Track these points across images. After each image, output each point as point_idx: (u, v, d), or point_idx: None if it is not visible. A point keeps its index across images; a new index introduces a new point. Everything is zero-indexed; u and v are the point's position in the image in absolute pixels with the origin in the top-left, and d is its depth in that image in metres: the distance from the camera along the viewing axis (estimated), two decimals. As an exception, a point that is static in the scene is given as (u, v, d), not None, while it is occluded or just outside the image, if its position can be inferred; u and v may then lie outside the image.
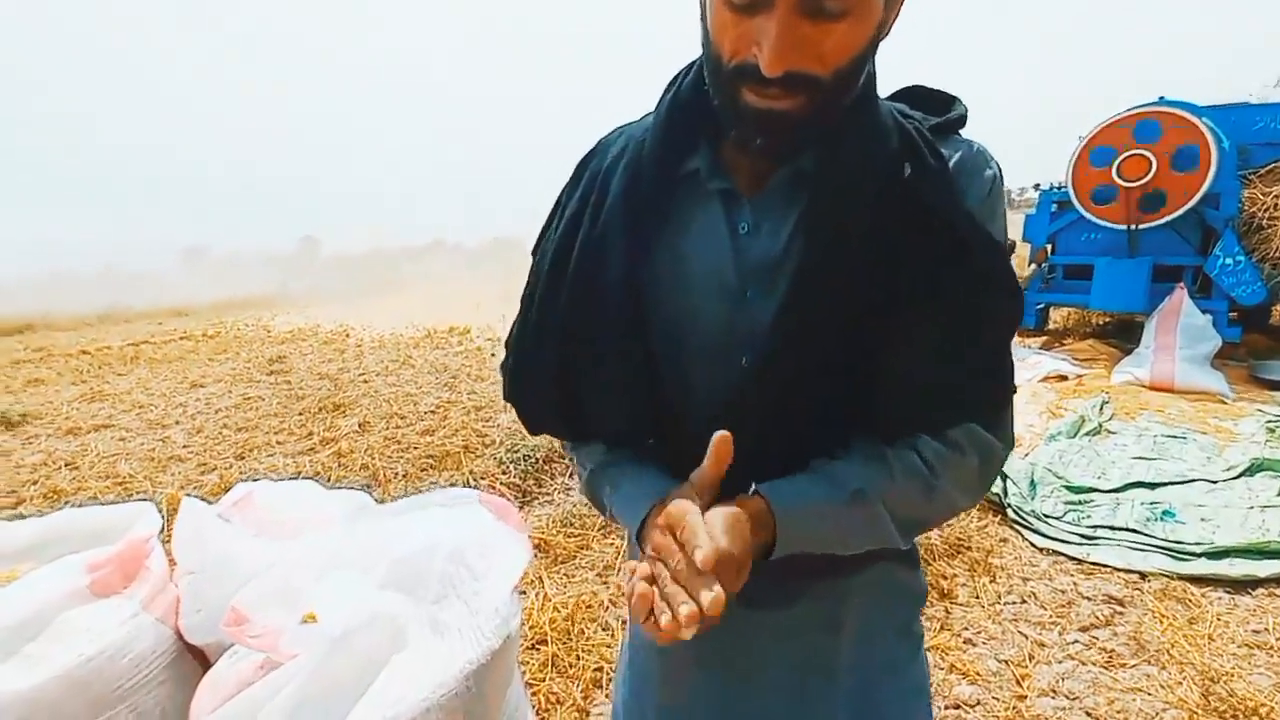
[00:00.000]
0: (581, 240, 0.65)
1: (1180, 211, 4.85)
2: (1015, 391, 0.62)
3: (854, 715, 0.70)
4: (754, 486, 0.59)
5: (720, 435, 0.55)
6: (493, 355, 6.79)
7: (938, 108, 0.66)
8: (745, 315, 0.61)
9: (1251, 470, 2.99)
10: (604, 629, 2.18)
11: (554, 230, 0.69)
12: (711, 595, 0.48)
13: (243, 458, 4.16)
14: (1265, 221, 4.75)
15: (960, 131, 0.65)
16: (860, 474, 0.59)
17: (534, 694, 1.88)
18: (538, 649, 2.07)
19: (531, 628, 2.16)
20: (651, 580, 0.52)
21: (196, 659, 1.25)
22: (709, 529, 0.53)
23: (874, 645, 0.71)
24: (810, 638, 0.70)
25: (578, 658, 2.03)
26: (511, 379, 0.72)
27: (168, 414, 5.33)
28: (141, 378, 7.01)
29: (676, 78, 0.67)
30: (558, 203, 0.72)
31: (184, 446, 4.46)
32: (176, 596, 1.26)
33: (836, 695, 0.70)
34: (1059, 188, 5.86)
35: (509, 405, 0.74)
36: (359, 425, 4.59)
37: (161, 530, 1.33)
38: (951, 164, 0.60)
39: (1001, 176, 0.63)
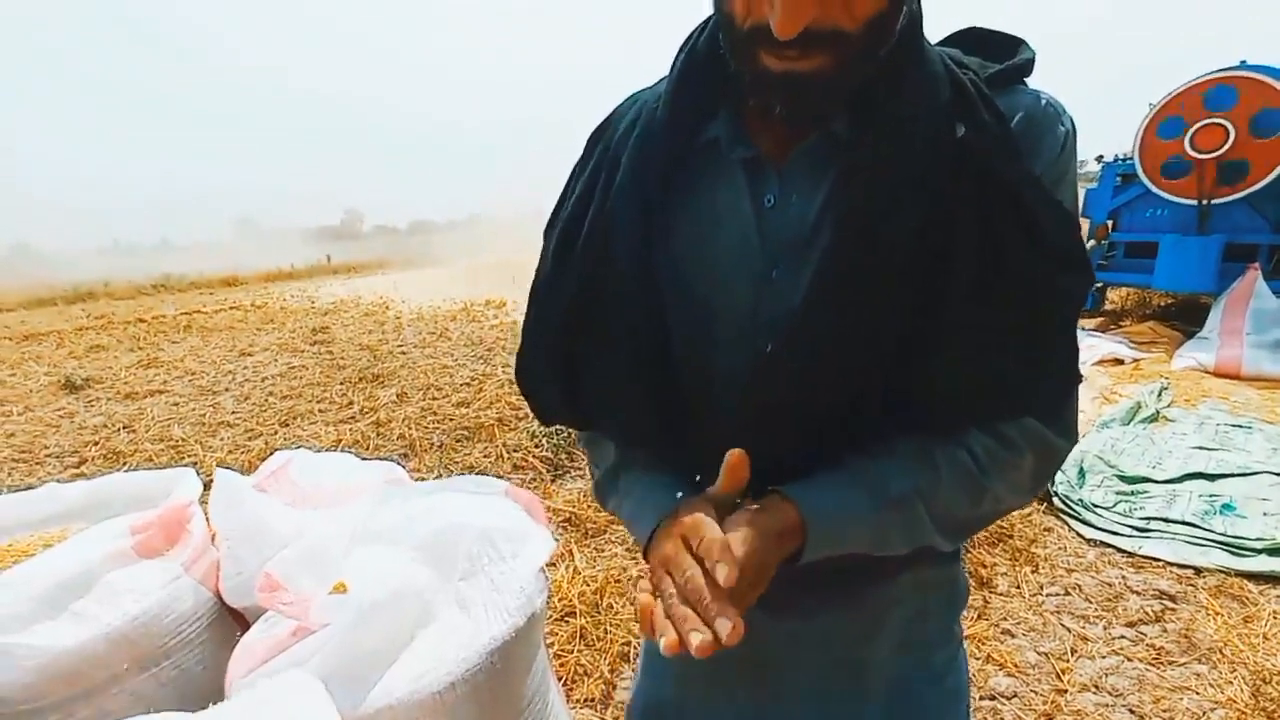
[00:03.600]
0: (590, 219, 0.59)
1: (1262, 183, 4.50)
2: (1080, 381, 0.55)
3: None
4: (780, 489, 0.53)
5: (734, 454, 0.49)
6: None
7: (999, 53, 0.57)
8: (771, 297, 0.55)
9: (1323, 464, 2.80)
10: (632, 603, 2.18)
11: (565, 209, 0.64)
12: (729, 626, 0.42)
13: (287, 425, 4.30)
14: (1354, 197, 4.40)
15: (1025, 80, 0.57)
16: (903, 476, 0.53)
17: (561, 665, 1.91)
18: (567, 621, 2.10)
19: (561, 600, 2.18)
20: (655, 593, 0.48)
21: (236, 621, 1.29)
22: (729, 544, 0.47)
23: (910, 655, 0.66)
24: (840, 647, 0.65)
25: (606, 631, 2.04)
26: (519, 368, 0.68)
27: (218, 381, 5.55)
28: (194, 345, 7.30)
29: (692, 35, 0.60)
30: (570, 179, 0.67)
31: (232, 413, 4.63)
32: (217, 560, 1.29)
33: (868, 707, 0.66)
34: (1124, 159, 5.53)
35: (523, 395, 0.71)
36: (397, 396, 4.69)
37: (204, 494, 1.37)
38: (1016, 120, 0.53)
39: (1075, 132, 0.55)
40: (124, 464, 3.77)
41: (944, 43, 0.61)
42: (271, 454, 1.54)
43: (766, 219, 0.56)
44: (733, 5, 0.48)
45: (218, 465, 1.31)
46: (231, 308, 10.75)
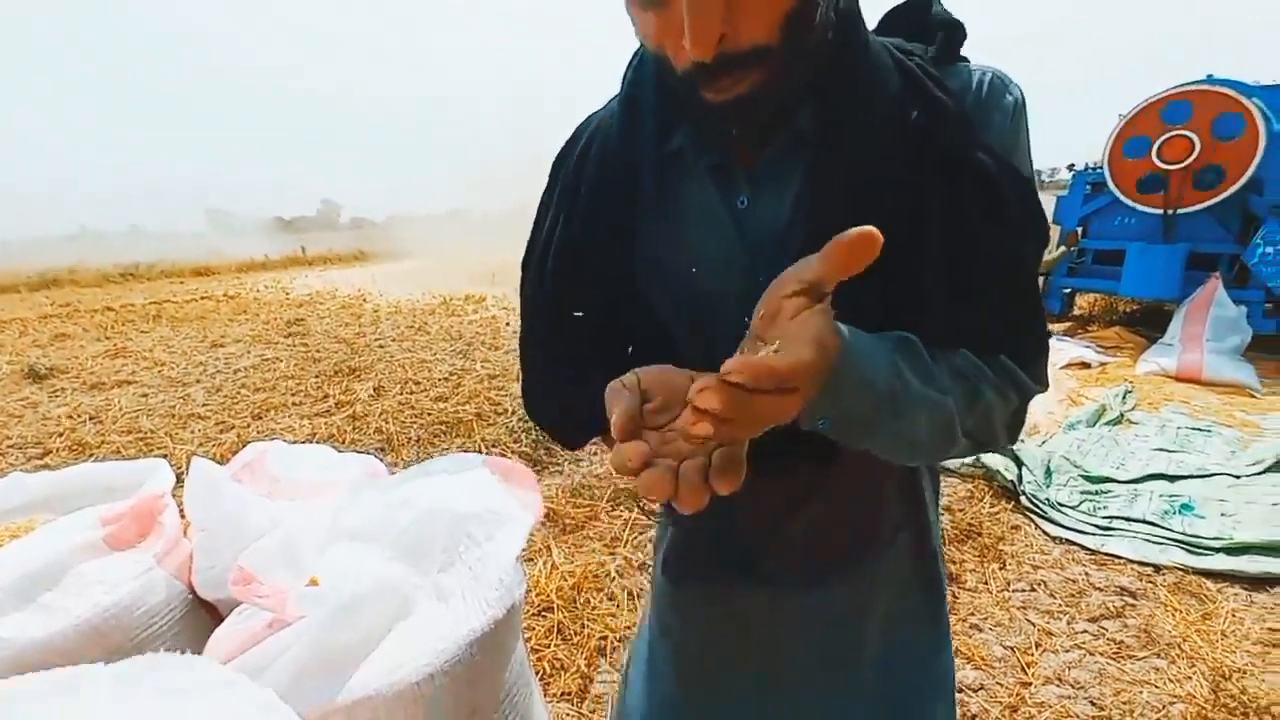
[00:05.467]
0: (559, 242, 0.60)
1: (1225, 195, 4.66)
2: (1046, 327, 0.57)
3: (871, 711, 0.67)
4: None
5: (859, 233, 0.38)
6: (507, 324, 6.80)
7: (922, 25, 0.59)
8: (760, 289, 0.56)
9: (1278, 466, 2.91)
10: (610, 599, 2.20)
11: (538, 240, 0.64)
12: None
13: (260, 418, 4.23)
14: (1311, 210, 4.56)
15: (965, 56, 0.58)
16: (918, 344, 0.51)
17: (539, 660, 1.91)
18: (544, 616, 2.10)
19: (538, 595, 2.19)
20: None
21: (209, 614, 1.28)
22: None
23: (898, 634, 0.68)
24: (836, 626, 0.66)
25: (583, 626, 2.05)
26: (528, 407, 0.68)
27: (188, 372, 5.43)
28: (163, 336, 7.14)
29: (640, 49, 0.59)
30: (539, 209, 0.67)
31: (203, 405, 4.54)
32: (189, 552, 1.28)
33: (858, 688, 0.67)
34: (1094, 168, 5.67)
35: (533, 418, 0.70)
36: (374, 390, 4.64)
37: (176, 487, 1.35)
38: (968, 97, 0.55)
39: (1023, 101, 0.56)
40: (90, 455, 3.68)
41: (880, 31, 0.61)
42: (244, 447, 1.52)
43: (743, 220, 0.57)
44: (662, 50, 0.49)
45: (195, 457, 1.29)
46: (203, 298, 10.52)
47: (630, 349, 0.61)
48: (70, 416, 4.37)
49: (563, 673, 1.87)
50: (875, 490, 0.64)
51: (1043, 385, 0.57)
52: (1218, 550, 2.34)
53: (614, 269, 0.59)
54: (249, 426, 4.06)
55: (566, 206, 0.61)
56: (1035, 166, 0.61)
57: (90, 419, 4.31)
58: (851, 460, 0.58)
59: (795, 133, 0.54)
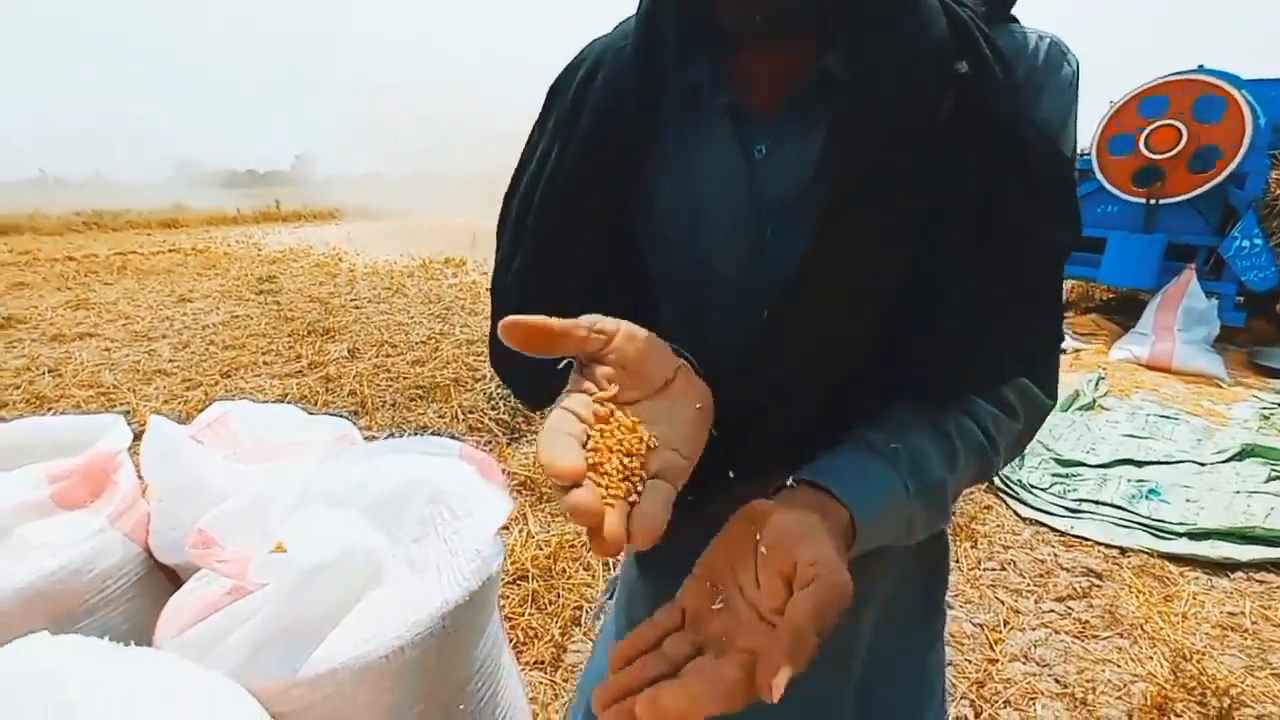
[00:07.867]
0: (549, 177, 0.54)
1: (1208, 186, 4.68)
2: (1062, 339, 0.53)
3: (859, 705, 0.63)
4: (829, 488, 0.45)
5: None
6: (488, 289, 6.68)
7: None
8: (766, 258, 0.50)
9: (1241, 455, 2.99)
10: (585, 568, 2.18)
11: (525, 173, 0.57)
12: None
13: (229, 375, 4.11)
14: (1289, 205, 4.62)
15: (1015, 16, 0.52)
16: (937, 461, 0.48)
17: (512, 628, 1.89)
18: (518, 584, 2.08)
19: (513, 563, 2.16)
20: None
21: (168, 578, 1.22)
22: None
23: (891, 630, 0.64)
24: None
25: (558, 595, 2.04)
26: (493, 357, 0.62)
27: (154, 327, 5.25)
28: (128, 288, 6.90)
29: None
30: (528, 142, 0.60)
31: (169, 360, 4.40)
32: (147, 513, 1.22)
33: (848, 678, 0.63)
34: (1081, 155, 5.68)
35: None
36: (348, 351, 4.53)
37: (134, 444, 1.28)
38: (1023, 62, 0.49)
39: (1078, 72, 0.51)
40: (49, 410, 3.54)
41: None
42: (211, 405, 1.45)
43: (758, 171, 0.50)
44: None
45: (152, 414, 1.22)
46: (170, 250, 10.17)
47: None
48: (28, 369, 4.20)
49: (536, 641, 1.86)
50: None
51: (1055, 399, 0.55)
52: (1181, 535, 2.40)
53: (608, 213, 0.53)
54: (217, 384, 3.95)
55: (564, 136, 0.54)
56: None
57: (49, 371, 4.15)
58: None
59: (823, 74, 0.48)
